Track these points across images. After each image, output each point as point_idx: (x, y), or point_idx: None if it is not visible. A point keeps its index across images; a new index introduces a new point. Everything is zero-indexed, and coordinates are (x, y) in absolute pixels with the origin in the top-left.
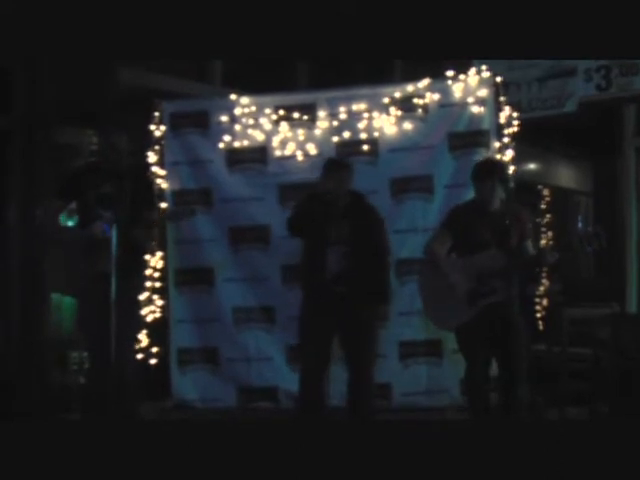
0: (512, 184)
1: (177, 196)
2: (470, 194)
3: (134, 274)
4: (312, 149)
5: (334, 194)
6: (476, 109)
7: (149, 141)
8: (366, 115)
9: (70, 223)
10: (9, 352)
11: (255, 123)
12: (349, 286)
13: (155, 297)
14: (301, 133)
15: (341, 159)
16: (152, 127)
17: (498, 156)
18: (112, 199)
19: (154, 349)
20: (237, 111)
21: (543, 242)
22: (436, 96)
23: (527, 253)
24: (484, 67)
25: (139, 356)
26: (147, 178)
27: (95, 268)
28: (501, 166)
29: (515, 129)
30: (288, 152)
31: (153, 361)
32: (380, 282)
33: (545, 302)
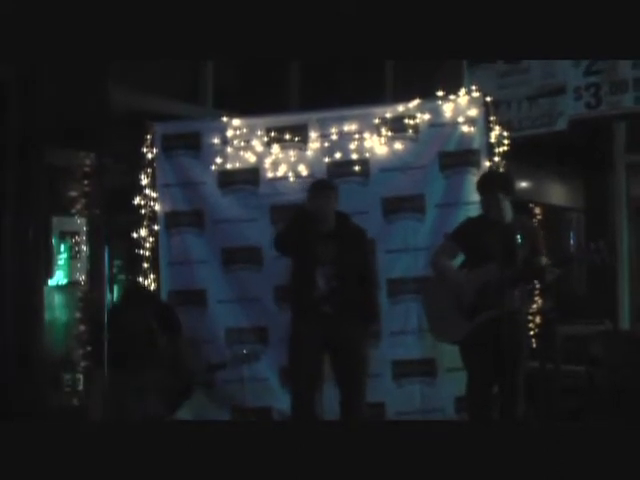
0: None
1: (169, 218)
2: (461, 213)
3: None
4: (304, 170)
5: (320, 215)
6: (466, 129)
7: (141, 163)
8: (357, 136)
9: None
10: (3, 372)
11: (247, 145)
12: (337, 306)
13: None
14: (293, 154)
15: (326, 180)
16: (144, 149)
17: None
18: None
19: None
20: (229, 133)
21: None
22: (426, 116)
23: (539, 268)
24: (474, 87)
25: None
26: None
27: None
28: (506, 177)
29: (506, 148)
30: (280, 173)
31: None
32: (368, 302)
33: (538, 319)
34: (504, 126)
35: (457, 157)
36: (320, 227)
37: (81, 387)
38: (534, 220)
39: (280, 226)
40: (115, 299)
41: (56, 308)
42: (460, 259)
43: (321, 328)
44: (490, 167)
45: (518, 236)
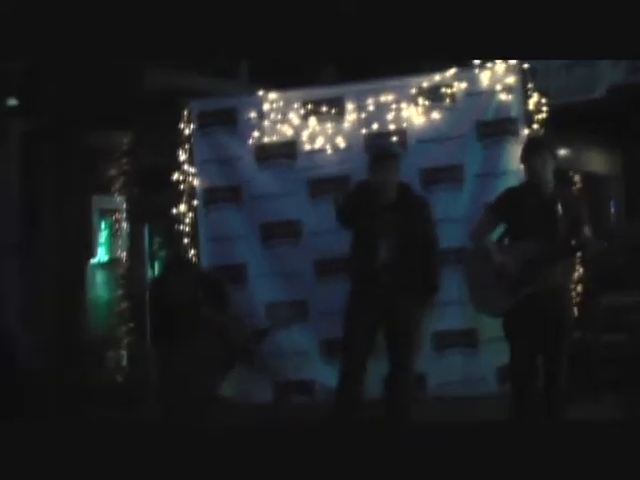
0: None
1: (207, 194)
2: (500, 182)
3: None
4: (341, 142)
5: (382, 186)
6: (504, 97)
7: (178, 140)
8: (394, 106)
9: None
10: (49, 352)
11: (283, 118)
12: (398, 277)
13: None
14: (330, 127)
15: (388, 148)
16: (181, 126)
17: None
18: None
19: None
20: (265, 107)
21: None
22: (463, 85)
23: (584, 239)
24: None
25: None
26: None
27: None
28: (550, 144)
29: (544, 116)
30: (317, 146)
31: None
32: (429, 274)
33: (579, 289)
34: (542, 94)
35: (495, 126)
36: (382, 198)
37: (124, 364)
38: (575, 189)
39: (320, 200)
40: (161, 270)
41: (98, 285)
42: (499, 230)
43: (380, 300)
44: (532, 134)
45: (560, 206)
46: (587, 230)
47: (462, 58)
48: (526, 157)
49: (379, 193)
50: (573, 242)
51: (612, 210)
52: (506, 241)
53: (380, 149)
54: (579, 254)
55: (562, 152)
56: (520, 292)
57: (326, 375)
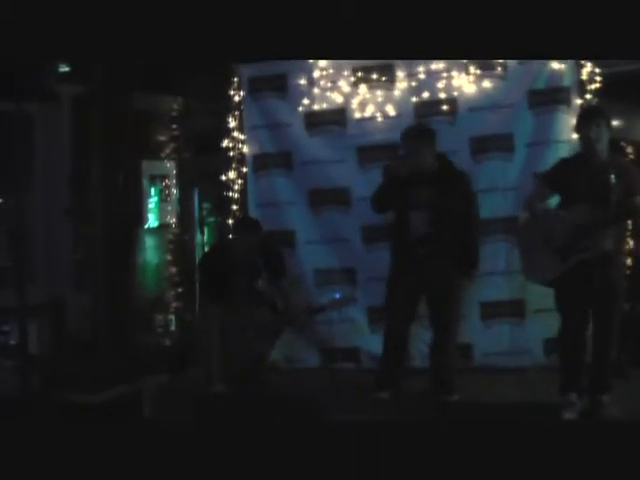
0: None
1: (257, 160)
2: (551, 152)
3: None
4: (391, 110)
5: (416, 162)
6: (556, 65)
7: (228, 106)
8: (445, 74)
9: None
10: (97, 314)
11: (333, 85)
12: (432, 251)
13: None
14: (380, 94)
15: (421, 125)
16: (231, 92)
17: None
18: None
19: None
20: (315, 74)
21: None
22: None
23: (634, 207)
24: None
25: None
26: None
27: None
28: (605, 113)
29: (598, 85)
30: (367, 114)
31: None
32: (467, 247)
33: (629, 260)
34: (596, 62)
35: (547, 95)
36: (418, 171)
37: (173, 328)
38: (628, 159)
39: (370, 167)
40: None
41: (147, 250)
42: (555, 200)
43: (418, 269)
44: (586, 104)
45: (613, 175)
46: (638, 199)
47: (465, 58)
48: (581, 127)
49: (412, 168)
50: (624, 210)
51: None
52: (560, 210)
53: (411, 129)
54: (630, 222)
55: (616, 122)
56: (571, 259)
57: (373, 343)
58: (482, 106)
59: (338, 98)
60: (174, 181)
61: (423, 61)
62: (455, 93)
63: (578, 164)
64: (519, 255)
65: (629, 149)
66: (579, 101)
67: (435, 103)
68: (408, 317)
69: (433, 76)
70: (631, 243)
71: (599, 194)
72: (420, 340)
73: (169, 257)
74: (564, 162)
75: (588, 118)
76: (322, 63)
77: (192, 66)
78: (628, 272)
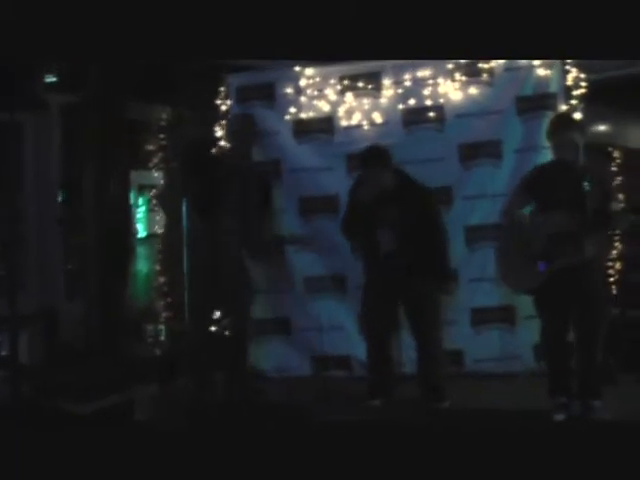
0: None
1: None
2: (539, 158)
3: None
4: (378, 117)
5: (377, 185)
6: (543, 72)
7: (216, 115)
8: (431, 81)
9: None
10: (84, 325)
11: (321, 94)
12: (401, 265)
13: None
14: (367, 102)
15: (375, 148)
16: (219, 101)
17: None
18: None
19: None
20: (302, 82)
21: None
22: (501, 60)
23: (611, 213)
24: None
25: (214, 328)
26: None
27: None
28: (577, 119)
29: (583, 91)
30: (354, 121)
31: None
32: (438, 263)
33: (618, 265)
34: (582, 68)
35: (534, 101)
36: (379, 192)
37: (162, 338)
38: (608, 164)
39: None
40: None
41: (136, 260)
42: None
43: (389, 286)
44: (573, 109)
45: (589, 182)
46: (614, 205)
47: (462, 59)
48: (551, 135)
49: (372, 190)
50: (600, 216)
51: None
52: (536, 218)
53: (366, 152)
54: (611, 229)
55: (602, 127)
56: (550, 266)
57: (363, 350)
58: (470, 113)
59: (325, 106)
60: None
61: (410, 68)
62: (442, 100)
63: (554, 171)
64: (498, 264)
65: (616, 154)
66: (565, 107)
67: (422, 110)
68: (387, 327)
69: (420, 83)
70: (620, 247)
71: (576, 201)
72: (410, 347)
73: (158, 267)
74: (541, 169)
75: (558, 126)
76: (309, 71)
77: (188, 65)
78: (617, 277)
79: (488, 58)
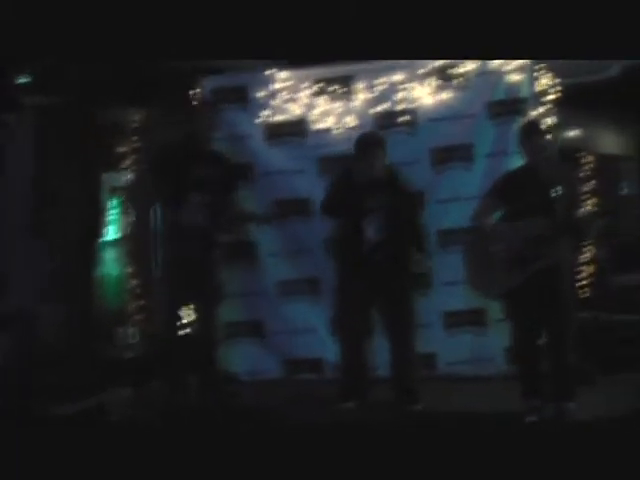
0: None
1: None
2: (510, 162)
3: (213, 250)
4: (351, 121)
5: (367, 169)
6: (514, 77)
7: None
8: (404, 86)
9: None
10: (58, 327)
11: (293, 97)
12: (386, 255)
13: None
14: (339, 105)
15: (373, 134)
16: (192, 104)
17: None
18: (204, 182)
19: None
20: (275, 85)
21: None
22: (474, 64)
23: (576, 219)
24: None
25: (187, 331)
26: (231, 162)
27: (182, 246)
28: (547, 124)
29: (555, 96)
30: (327, 125)
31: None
32: (416, 236)
33: (592, 268)
34: (553, 73)
35: (506, 105)
36: (368, 180)
37: (135, 340)
38: (578, 170)
39: (330, 178)
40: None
41: (108, 263)
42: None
43: (370, 279)
44: (536, 116)
45: (558, 188)
46: (579, 212)
47: (462, 59)
48: (522, 140)
49: (364, 176)
50: (567, 223)
51: (624, 190)
52: (505, 223)
53: (364, 136)
54: (579, 233)
55: (574, 132)
56: (518, 273)
57: (335, 353)
58: (442, 117)
59: (298, 109)
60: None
61: (383, 72)
62: (415, 104)
63: (523, 176)
64: (466, 268)
65: (587, 159)
66: (536, 112)
67: (395, 114)
68: (362, 328)
69: (393, 87)
70: (593, 252)
71: (545, 206)
72: (384, 349)
73: (130, 269)
74: (511, 174)
75: (528, 132)
76: (282, 74)
77: (162, 67)
78: (590, 280)
79: (486, 58)
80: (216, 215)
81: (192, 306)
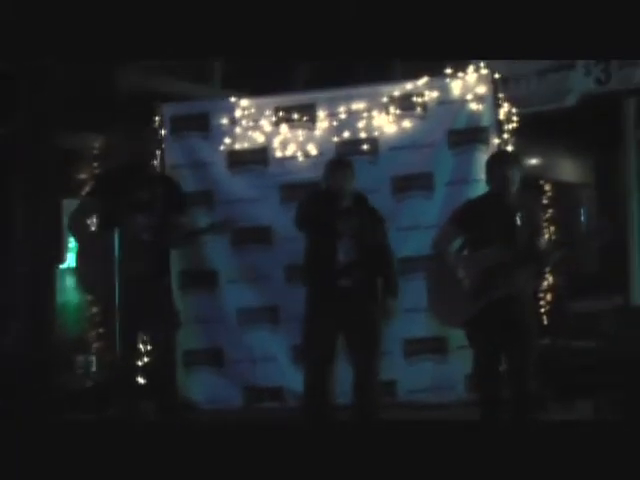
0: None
1: None
2: (471, 190)
3: (166, 276)
4: (312, 149)
5: (339, 191)
6: (475, 106)
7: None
8: (366, 114)
9: None
10: (16, 354)
11: (255, 125)
12: (356, 280)
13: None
14: (301, 134)
15: (343, 158)
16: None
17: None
18: (148, 202)
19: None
20: (237, 113)
21: (546, 237)
22: (435, 94)
23: (538, 249)
24: (482, 64)
25: (145, 359)
26: (177, 182)
27: (131, 270)
28: (516, 155)
29: (515, 125)
30: (289, 153)
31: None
32: (387, 277)
33: (549, 296)
34: (513, 102)
35: (466, 134)
36: (339, 203)
37: (94, 369)
38: (539, 198)
39: (292, 206)
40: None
41: (68, 290)
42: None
43: (338, 304)
44: (499, 145)
45: (520, 215)
46: (542, 242)
47: (462, 59)
48: (492, 169)
49: (336, 198)
50: (529, 252)
51: (582, 218)
52: (466, 251)
53: (336, 156)
54: (540, 262)
55: (533, 161)
56: (480, 301)
57: (295, 381)
58: (403, 145)
59: (260, 137)
60: (95, 220)
61: (344, 101)
62: (376, 133)
63: (485, 205)
64: (428, 297)
65: (546, 187)
66: (497, 141)
67: (356, 142)
68: (328, 356)
69: (354, 116)
70: (550, 279)
71: (506, 235)
72: (344, 376)
73: (90, 297)
74: (472, 203)
75: (498, 161)
76: (244, 102)
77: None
78: (548, 307)
79: (483, 58)
80: (163, 234)
81: (148, 332)
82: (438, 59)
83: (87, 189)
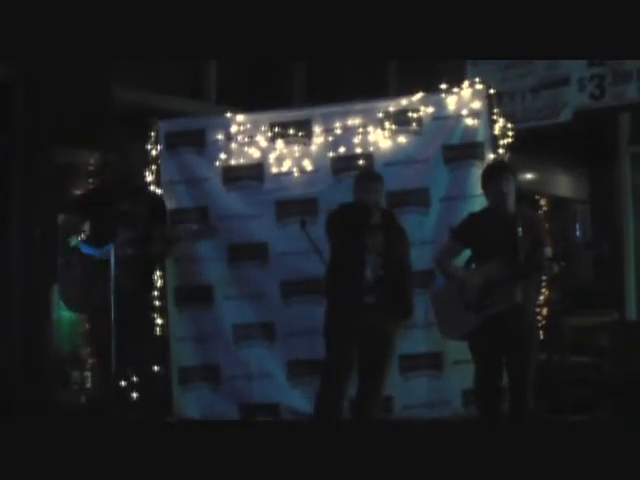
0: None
1: (174, 215)
2: (466, 206)
3: (149, 291)
4: (308, 165)
5: (370, 206)
6: (470, 121)
7: (145, 160)
8: (361, 130)
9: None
10: (11, 370)
11: (251, 140)
12: (380, 296)
13: (155, 316)
14: (297, 149)
15: (373, 172)
16: (148, 146)
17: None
18: (131, 217)
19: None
20: (233, 129)
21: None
22: (430, 109)
23: (541, 261)
24: (477, 79)
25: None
26: (160, 195)
27: (120, 285)
28: (510, 168)
29: (510, 140)
30: (284, 169)
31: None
32: (406, 297)
33: (545, 311)
34: (508, 118)
35: (461, 150)
36: (369, 218)
37: (89, 385)
38: (538, 211)
39: (288, 222)
40: None
41: (63, 306)
42: (467, 254)
43: (359, 319)
44: (493, 160)
45: (521, 228)
46: (547, 252)
47: (461, 59)
48: (486, 183)
49: (366, 213)
50: (530, 263)
51: (577, 233)
52: (473, 265)
53: (366, 170)
54: (541, 275)
55: (528, 176)
56: (483, 314)
57: (292, 397)
58: (398, 161)
59: (255, 153)
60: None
61: (339, 117)
62: (371, 148)
63: (486, 219)
64: (433, 312)
65: (542, 202)
66: (492, 156)
67: (352, 158)
68: (350, 368)
69: (349, 131)
70: (546, 293)
71: (508, 248)
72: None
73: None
74: (472, 217)
75: (492, 175)
76: (239, 118)
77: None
78: (544, 322)
79: (483, 58)
80: (147, 248)
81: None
82: (438, 59)
83: (69, 206)
